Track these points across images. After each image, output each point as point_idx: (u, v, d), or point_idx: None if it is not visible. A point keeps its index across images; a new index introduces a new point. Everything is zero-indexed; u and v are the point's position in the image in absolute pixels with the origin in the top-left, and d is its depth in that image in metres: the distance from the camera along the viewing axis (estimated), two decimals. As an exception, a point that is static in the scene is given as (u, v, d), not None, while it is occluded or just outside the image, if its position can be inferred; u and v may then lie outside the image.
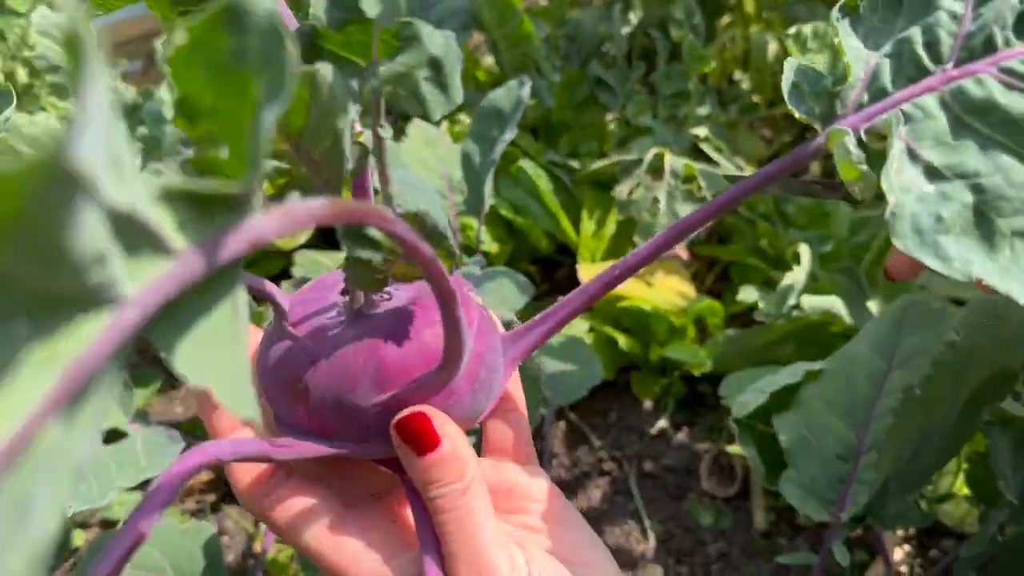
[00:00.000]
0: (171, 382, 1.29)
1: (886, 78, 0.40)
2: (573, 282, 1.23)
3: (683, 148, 1.36)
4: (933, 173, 0.37)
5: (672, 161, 1.23)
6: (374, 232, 0.31)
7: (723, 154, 1.39)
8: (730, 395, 1.04)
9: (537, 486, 0.40)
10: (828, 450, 0.74)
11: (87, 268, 0.15)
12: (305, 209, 0.20)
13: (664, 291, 1.21)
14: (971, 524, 0.99)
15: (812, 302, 1.06)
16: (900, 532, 1.05)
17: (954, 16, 0.40)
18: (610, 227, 1.29)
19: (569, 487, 1.13)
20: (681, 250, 1.30)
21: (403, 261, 0.33)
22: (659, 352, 1.19)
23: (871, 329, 0.78)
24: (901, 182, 0.37)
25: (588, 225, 1.30)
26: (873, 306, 1.09)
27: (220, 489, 1.17)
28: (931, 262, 0.35)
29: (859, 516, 0.77)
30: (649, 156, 1.22)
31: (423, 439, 0.35)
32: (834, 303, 1.06)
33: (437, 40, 0.32)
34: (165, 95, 0.98)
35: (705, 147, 1.37)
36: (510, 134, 0.92)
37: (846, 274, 1.11)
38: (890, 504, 0.79)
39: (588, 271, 1.22)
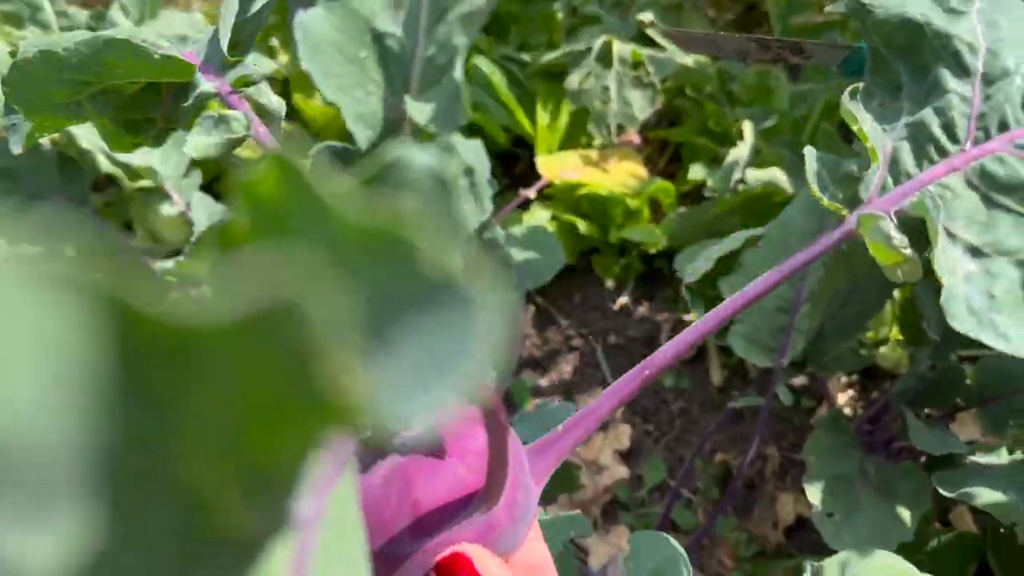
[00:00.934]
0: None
1: (907, 160, 0.40)
2: (533, 175, 1.28)
3: (631, 34, 1.39)
4: (974, 251, 0.38)
5: (620, 48, 1.27)
6: None
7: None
8: (683, 269, 1.12)
9: None
10: (769, 305, 0.83)
11: None
12: None
13: (619, 176, 1.27)
14: (905, 366, 1.10)
15: (756, 175, 1.13)
16: (844, 379, 1.15)
17: (964, 98, 0.40)
18: (564, 118, 1.34)
19: (541, 364, 1.21)
20: (634, 135, 1.36)
21: None
22: (617, 234, 1.26)
23: (803, 195, 0.85)
24: (947, 262, 0.37)
25: (543, 117, 1.34)
26: (813, 174, 1.16)
27: None
28: (993, 342, 0.36)
29: (800, 362, 0.86)
30: (597, 45, 1.26)
31: None
32: (776, 175, 1.13)
33: (469, 149, 0.33)
34: (118, 16, 0.99)
35: (651, 32, 1.41)
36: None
37: (787, 146, 1.18)
38: (828, 349, 0.88)
39: (546, 162, 1.27)
